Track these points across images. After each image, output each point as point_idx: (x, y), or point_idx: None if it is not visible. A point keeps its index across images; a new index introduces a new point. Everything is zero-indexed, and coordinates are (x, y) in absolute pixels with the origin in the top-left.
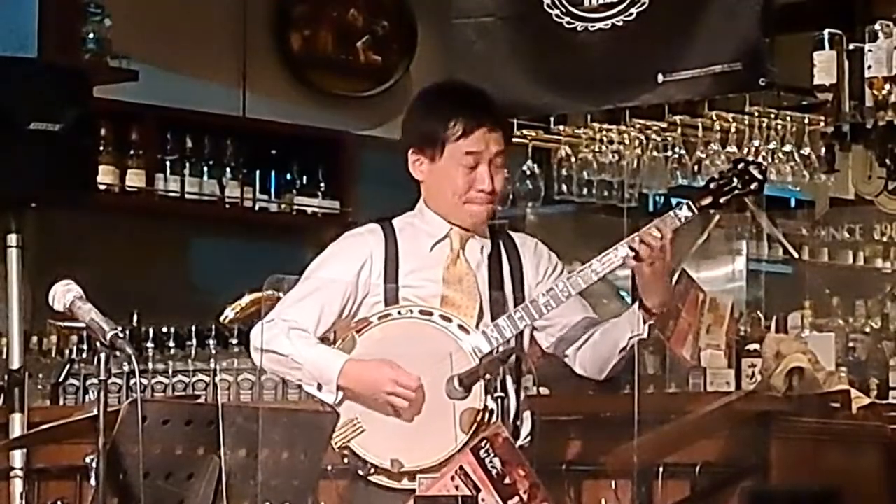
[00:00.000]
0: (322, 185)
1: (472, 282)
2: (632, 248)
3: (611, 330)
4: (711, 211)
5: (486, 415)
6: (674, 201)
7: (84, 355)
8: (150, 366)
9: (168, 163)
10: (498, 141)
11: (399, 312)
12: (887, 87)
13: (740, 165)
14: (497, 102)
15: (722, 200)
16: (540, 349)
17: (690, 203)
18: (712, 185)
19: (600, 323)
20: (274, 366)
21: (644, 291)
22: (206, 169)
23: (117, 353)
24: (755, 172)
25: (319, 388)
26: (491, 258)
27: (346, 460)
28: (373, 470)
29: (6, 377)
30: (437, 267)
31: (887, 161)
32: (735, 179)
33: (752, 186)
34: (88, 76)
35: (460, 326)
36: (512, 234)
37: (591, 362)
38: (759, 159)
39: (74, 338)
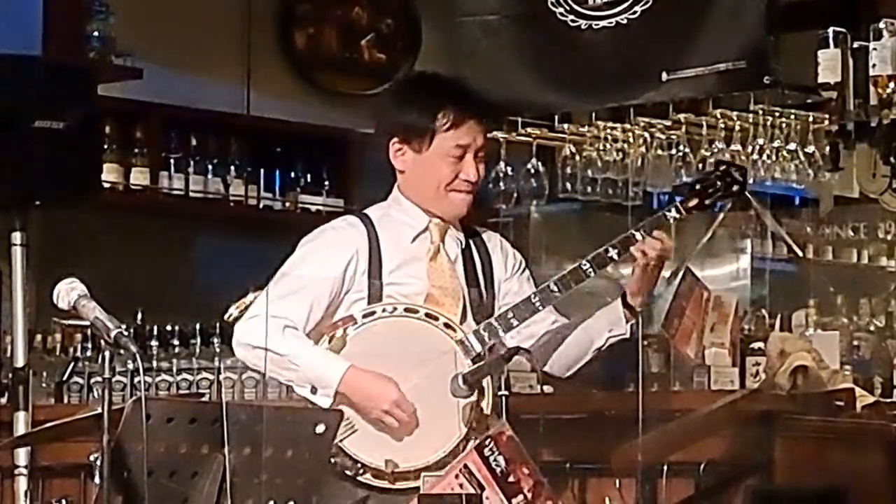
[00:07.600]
0: (326, 183)
1: (454, 277)
2: (640, 252)
3: (586, 330)
4: (695, 212)
5: (480, 412)
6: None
7: (88, 353)
8: (155, 364)
9: (172, 161)
10: (483, 132)
11: (384, 310)
12: (892, 85)
13: (722, 168)
14: (499, 99)
15: (707, 202)
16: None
17: (678, 205)
18: (697, 187)
19: (571, 323)
20: (263, 363)
21: (634, 291)
22: (210, 167)
23: (121, 352)
24: (736, 175)
25: (314, 390)
26: (464, 253)
27: (334, 460)
28: (363, 470)
29: (10, 375)
30: (420, 262)
31: (892, 159)
32: (718, 182)
33: (734, 189)
34: (93, 74)
35: (446, 325)
36: (478, 229)
37: (562, 361)
38: (739, 162)
39: (79, 336)
